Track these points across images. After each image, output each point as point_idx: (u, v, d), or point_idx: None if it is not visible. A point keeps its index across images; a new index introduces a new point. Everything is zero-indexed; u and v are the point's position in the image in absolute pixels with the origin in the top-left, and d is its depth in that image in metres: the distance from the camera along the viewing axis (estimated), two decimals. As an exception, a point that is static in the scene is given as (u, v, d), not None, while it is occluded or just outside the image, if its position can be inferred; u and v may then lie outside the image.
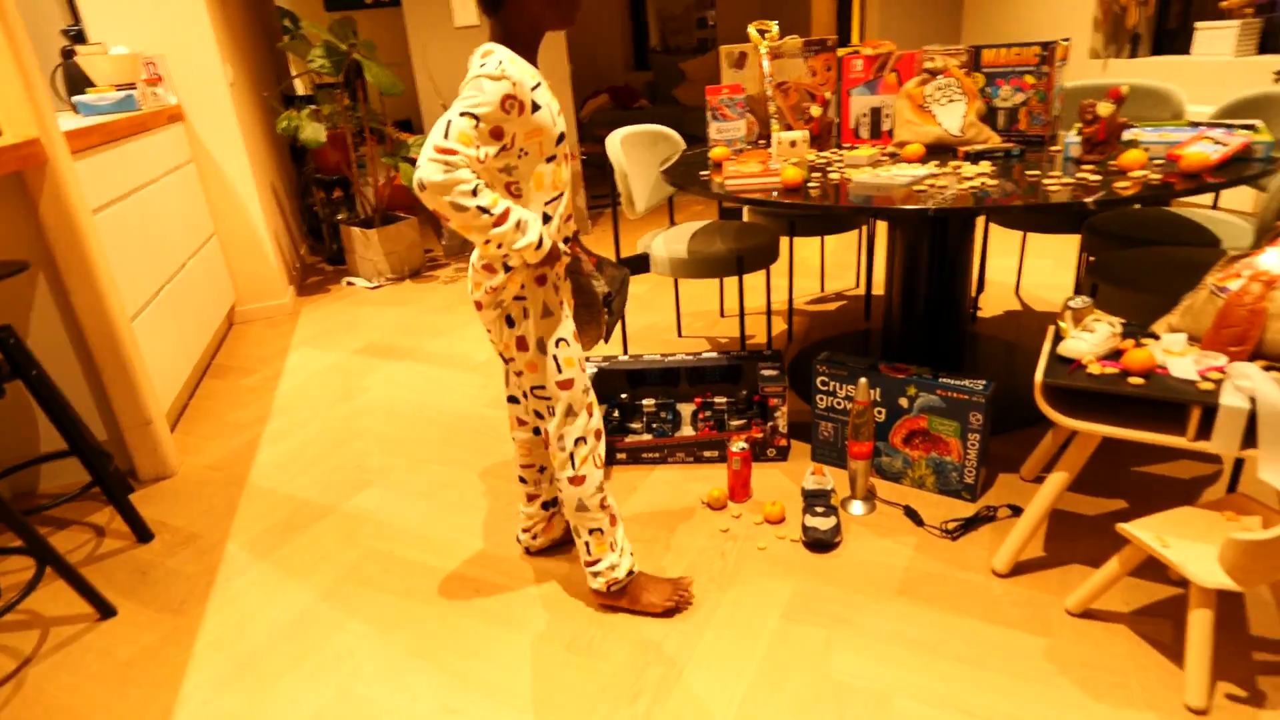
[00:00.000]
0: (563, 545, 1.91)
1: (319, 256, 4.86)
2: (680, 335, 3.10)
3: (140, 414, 2.30)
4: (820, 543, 1.79)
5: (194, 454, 2.52)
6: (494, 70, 1.25)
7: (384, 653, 1.61)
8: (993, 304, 3.17)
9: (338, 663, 1.60)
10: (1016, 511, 1.86)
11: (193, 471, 2.41)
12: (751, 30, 2.55)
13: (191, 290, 3.03)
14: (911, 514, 1.88)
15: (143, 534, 2.08)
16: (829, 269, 3.75)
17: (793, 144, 2.27)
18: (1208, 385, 1.40)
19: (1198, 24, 3.71)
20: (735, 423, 2.18)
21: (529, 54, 1.37)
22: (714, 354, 2.25)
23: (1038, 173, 1.81)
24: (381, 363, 3.11)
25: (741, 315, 2.48)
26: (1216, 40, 3.63)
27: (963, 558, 1.74)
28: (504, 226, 1.29)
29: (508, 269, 1.41)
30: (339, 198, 4.51)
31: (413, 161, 4.02)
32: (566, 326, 1.49)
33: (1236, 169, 1.69)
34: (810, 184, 1.94)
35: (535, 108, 1.32)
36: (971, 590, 1.64)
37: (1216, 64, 3.61)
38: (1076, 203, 1.55)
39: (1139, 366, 1.46)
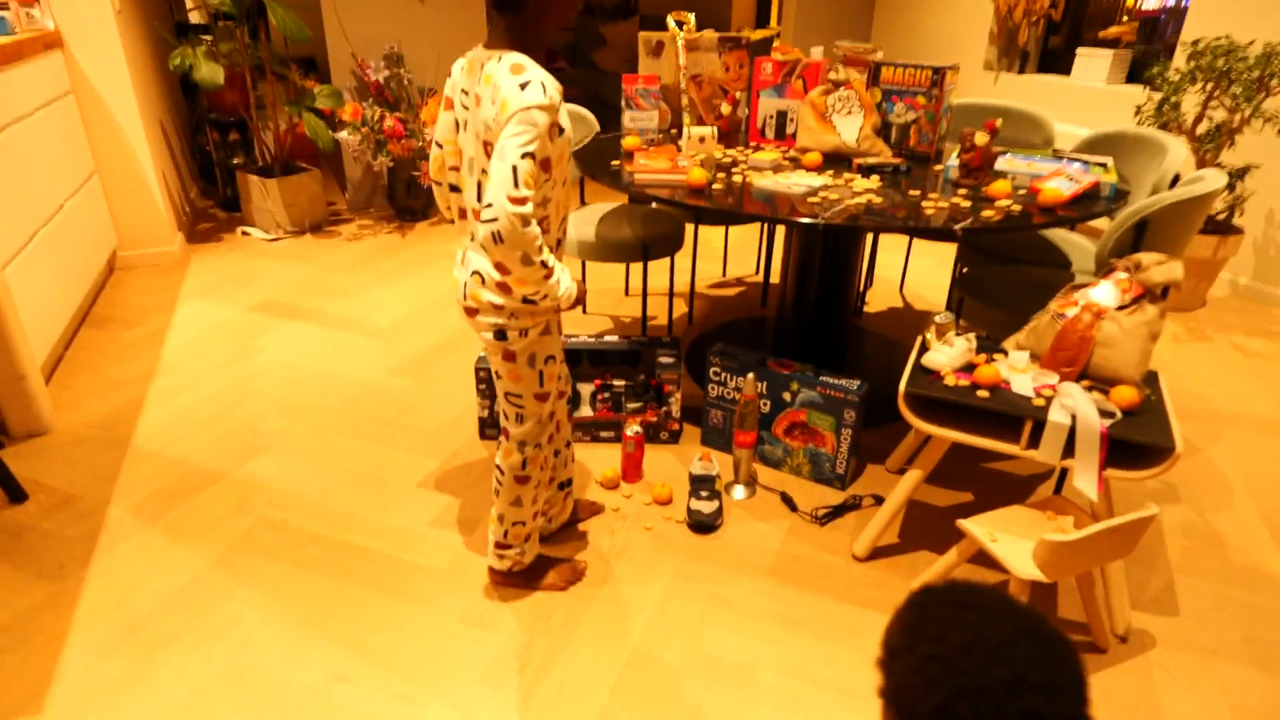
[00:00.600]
0: (570, 525, 1.95)
1: (211, 201, 4.62)
2: (585, 313, 3.17)
3: (13, 368, 2.19)
4: (703, 524, 1.93)
5: (71, 410, 2.42)
6: (543, 99, 1.23)
7: (275, 622, 1.65)
8: (879, 299, 3.39)
9: (226, 631, 1.62)
10: (879, 501, 2.06)
11: (70, 429, 2.32)
12: (670, 21, 2.60)
13: (69, 234, 2.86)
14: (787, 500, 2.04)
15: (15, 494, 2.00)
16: (732, 254, 3.89)
17: (702, 139, 2.35)
18: (1040, 401, 1.60)
19: (1079, 50, 4.01)
20: (632, 405, 2.28)
21: (543, 57, 1.35)
22: (615, 338, 2.33)
23: (918, 192, 1.97)
24: (278, 322, 3.04)
25: (645, 301, 2.58)
26: (1093, 66, 3.94)
27: (828, 542, 1.92)
28: (552, 279, 1.34)
29: (527, 301, 1.39)
30: (235, 140, 4.30)
31: (317, 112, 3.88)
32: (557, 342, 1.52)
33: (1086, 205, 1.90)
34: (714, 184, 2.03)
35: (561, 130, 1.32)
36: (833, 572, 1.82)
37: (1091, 89, 3.92)
38: (947, 228, 1.71)
39: (986, 381, 1.64)
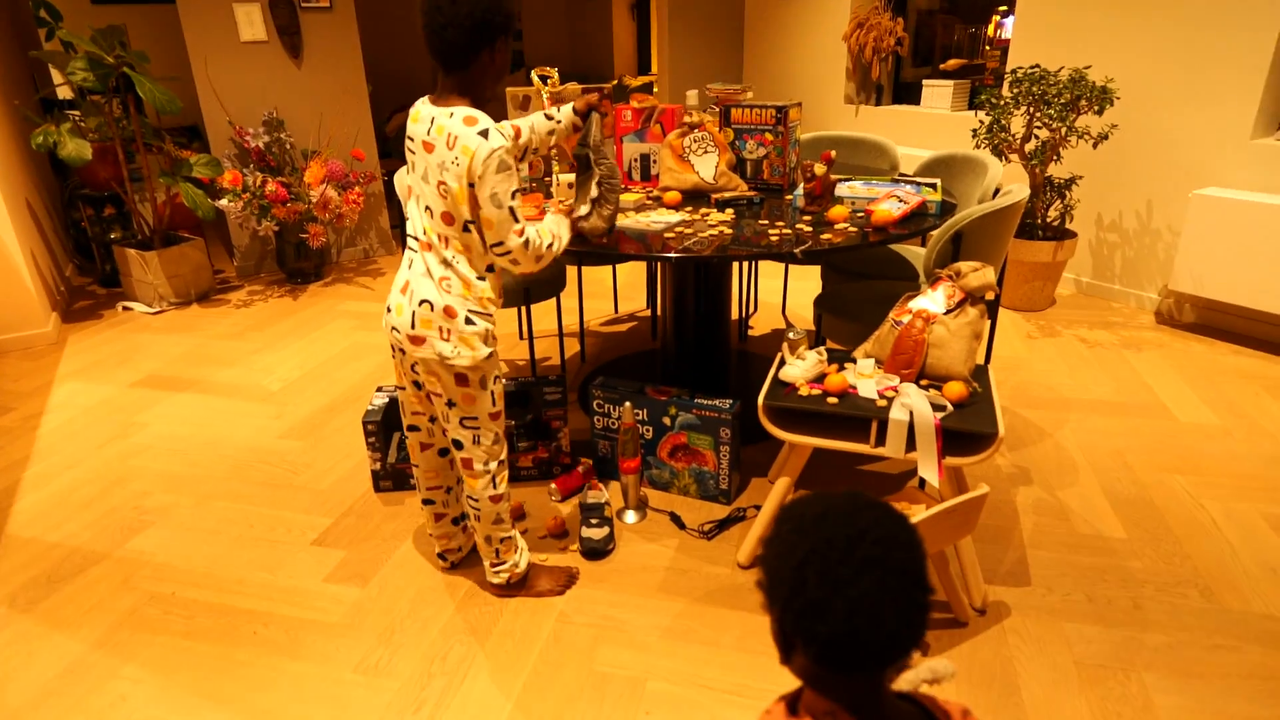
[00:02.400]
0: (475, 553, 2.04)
1: (89, 278, 4.48)
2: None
3: None
4: (595, 551, 2.00)
5: (-64, 506, 2.31)
6: (505, 142, 1.44)
7: (163, 696, 1.62)
8: (764, 323, 3.58)
9: (110, 711, 1.59)
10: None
11: (-66, 525, 2.22)
12: (534, 76, 2.74)
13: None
14: (675, 519, 2.14)
15: (-128, 599, 1.90)
16: (622, 291, 4.03)
17: (570, 185, 2.48)
18: (883, 403, 1.75)
19: (925, 82, 4.38)
20: (523, 444, 2.35)
21: (485, 104, 1.54)
22: (502, 381, 2.40)
23: (766, 222, 2.14)
24: (162, 395, 2.97)
25: (531, 342, 2.66)
26: (938, 96, 4.31)
27: (716, 555, 2.02)
28: (559, 243, 1.61)
29: (469, 322, 1.56)
30: (111, 215, 4.20)
31: (195, 181, 3.84)
32: (499, 364, 1.67)
33: (916, 222, 2.10)
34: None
35: None
36: (719, 582, 1.92)
37: (938, 116, 4.28)
38: (788, 253, 1.87)
39: (835, 388, 1.79)
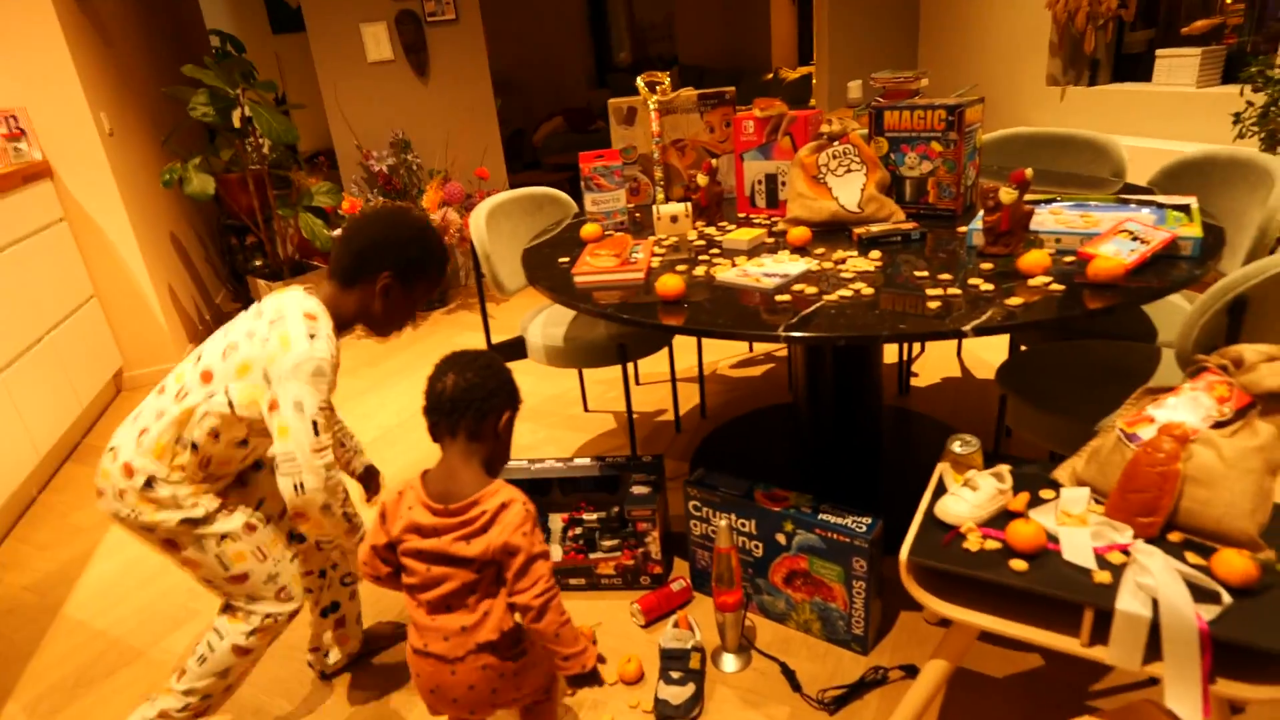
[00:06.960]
0: (360, 660, 1.72)
1: (240, 303, 4.58)
2: (587, 409, 2.82)
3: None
4: (669, 719, 1.50)
5: (18, 569, 2.24)
6: (329, 356, 1.27)
7: None
8: (932, 368, 2.89)
9: None
10: (911, 673, 1.57)
11: (9, 593, 2.13)
12: (640, 83, 2.27)
13: (57, 366, 2.74)
14: (788, 674, 1.59)
15: (-83, 689, 1.80)
16: (762, 324, 3.47)
17: (674, 219, 1.99)
18: (1104, 577, 1.11)
19: (1159, 52, 3.42)
20: (607, 543, 1.89)
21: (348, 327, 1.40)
22: (587, 460, 1.97)
23: (926, 273, 1.53)
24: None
25: (630, 416, 2.19)
26: (1178, 70, 3.34)
27: (841, 738, 1.46)
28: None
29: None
30: (253, 244, 4.24)
31: (315, 211, 3.75)
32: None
33: (1160, 271, 1.41)
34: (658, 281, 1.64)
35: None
36: (841, 792, 1.36)
37: (1178, 94, 3.32)
38: (951, 331, 1.27)
39: (1025, 545, 1.17)
